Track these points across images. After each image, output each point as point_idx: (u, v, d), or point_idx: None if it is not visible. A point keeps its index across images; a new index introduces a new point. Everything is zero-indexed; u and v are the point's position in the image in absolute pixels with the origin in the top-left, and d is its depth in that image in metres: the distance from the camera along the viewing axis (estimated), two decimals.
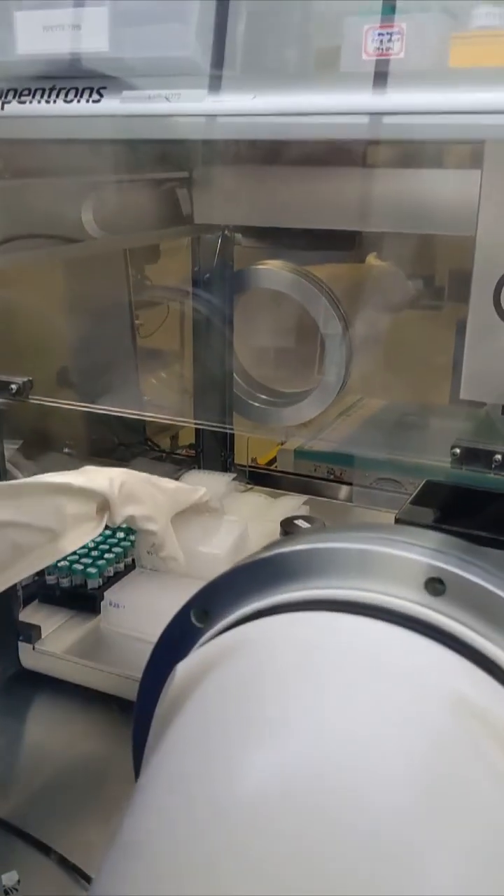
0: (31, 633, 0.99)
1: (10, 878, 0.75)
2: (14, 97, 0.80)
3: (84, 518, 0.85)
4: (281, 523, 1.12)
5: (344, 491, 1.49)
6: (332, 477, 1.50)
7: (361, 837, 0.33)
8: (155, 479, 0.94)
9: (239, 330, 1.41)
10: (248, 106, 0.70)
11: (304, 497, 1.27)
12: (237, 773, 0.35)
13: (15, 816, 0.81)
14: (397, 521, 1.15)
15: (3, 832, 0.79)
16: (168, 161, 1.17)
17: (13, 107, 0.80)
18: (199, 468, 1.43)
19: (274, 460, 1.59)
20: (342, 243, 1.32)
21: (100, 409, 1.00)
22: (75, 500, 0.83)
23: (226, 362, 1.39)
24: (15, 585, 1.00)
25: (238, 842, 0.33)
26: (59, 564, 1.06)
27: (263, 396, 1.47)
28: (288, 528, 1.11)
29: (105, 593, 1.02)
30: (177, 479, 1.33)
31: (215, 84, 0.75)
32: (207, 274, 1.34)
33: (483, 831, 0.34)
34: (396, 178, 1.17)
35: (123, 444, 1.51)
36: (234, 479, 1.37)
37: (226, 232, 1.33)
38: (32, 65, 0.80)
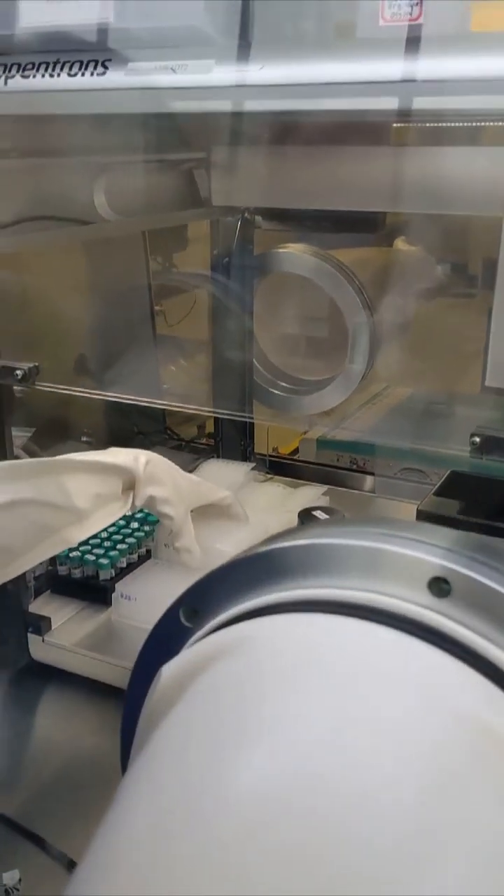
0: (41, 625, 0.97)
1: (11, 878, 0.73)
2: (17, 72, 0.77)
3: (110, 497, 0.83)
4: (299, 514, 1.08)
5: (367, 481, 1.45)
6: (354, 467, 1.46)
7: (357, 849, 0.30)
8: (179, 469, 0.93)
9: (260, 316, 1.38)
10: (255, 77, 0.67)
11: (324, 487, 1.24)
12: (220, 784, 0.33)
13: (17, 813, 0.79)
14: (419, 512, 1.12)
15: (4, 830, 0.77)
16: (185, 140, 1.13)
17: (16, 81, 0.77)
18: (218, 457, 1.40)
19: (296, 450, 1.56)
20: (367, 226, 1.27)
21: (111, 396, 0.98)
22: (101, 479, 0.81)
23: (246, 349, 1.36)
24: (25, 575, 0.98)
25: (222, 856, 0.31)
26: (70, 554, 1.04)
27: (284, 384, 1.43)
28: (306, 519, 1.08)
29: (117, 585, 0.99)
30: (193, 468, 1.31)
31: (226, 54, 0.72)
32: (226, 258, 1.31)
33: (483, 850, 0.31)
34: (425, 156, 1.13)
35: (142, 432, 1.48)
36: (252, 468, 1.34)
37: (246, 214, 1.29)
38: (36, 38, 0.78)
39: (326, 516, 1.09)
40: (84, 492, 0.78)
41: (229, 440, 1.40)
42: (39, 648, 0.97)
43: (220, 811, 0.32)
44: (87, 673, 0.95)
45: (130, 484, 0.86)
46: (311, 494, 1.22)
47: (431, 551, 0.37)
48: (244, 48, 0.71)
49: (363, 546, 0.38)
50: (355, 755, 0.33)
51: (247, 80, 0.68)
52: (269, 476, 1.40)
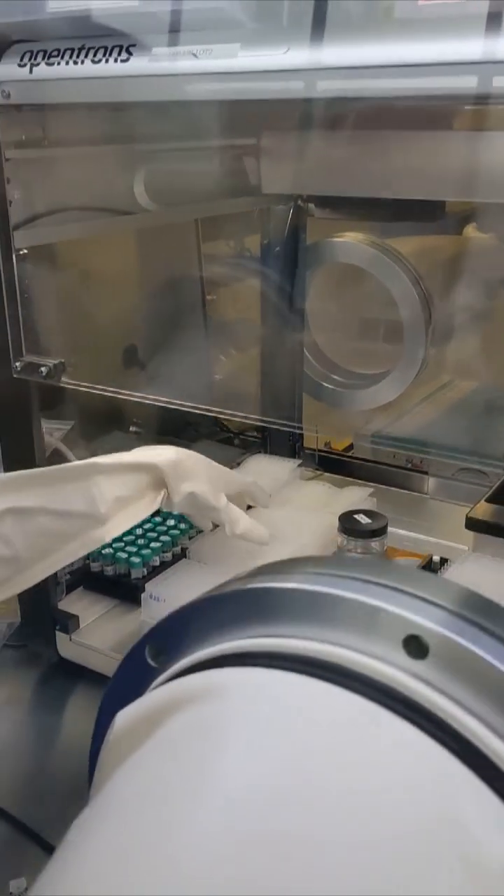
0: (69, 623, 0.96)
1: (18, 886, 0.72)
2: (43, 59, 0.74)
3: (131, 499, 0.81)
4: (339, 518, 1.04)
5: (424, 482, 1.39)
6: (409, 465, 1.40)
7: None
8: (208, 459, 0.91)
9: (313, 306, 1.33)
10: (279, 62, 0.63)
11: (370, 489, 1.19)
12: (166, 848, 0.29)
13: (27, 818, 0.78)
14: (468, 520, 1.06)
15: (11, 837, 0.76)
16: (232, 127, 1.09)
17: (41, 69, 0.75)
18: (266, 452, 1.37)
19: (351, 446, 1.50)
20: (427, 214, 1.21)
21: (138, 396, 0.94)
22: (121, 480, 0.80)
23: (296, 341, 1.32)
24: (56, 572, 0.97)
25: None
26: (103, 552, 1.02)
27: (338, 378, 1.39)
28: (347, 523, 1.03)
29: (147, 585, 0.97)
30: (239, 463, 1.28)
31: (255, 38, 0.68)
32: (278, 247, 1.26)
33: None
34: (494, 142, 1.06)
35: (192, 423, 1.46)
36: (299, 465, 1.30)
37: (299, 202, 1.25)
38: (63, 23, 0.75)
39: (368, 521, 1.04)
40: (101, 496, 0.76)
41: (277, 434, 1.37)
42: (67, 647, 0.96)
43: (165, 870, 0.29)
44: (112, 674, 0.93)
45: (158, 482, 0.84)
46: (357, 495, 1.17)
47: (410, 605, 0.33)
48: (274, 31, 0.67)
49: (339, 596, 0.34)
50: (308, 835, 0.29)
51: (271, 65, 0.64)
52: (318, 472, 1.36)
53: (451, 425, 1.45)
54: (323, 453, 1.39)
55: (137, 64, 0.69)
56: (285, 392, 1.35)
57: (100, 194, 0.94)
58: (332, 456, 1.39)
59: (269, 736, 0.31)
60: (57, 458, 1.14)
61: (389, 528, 1.17)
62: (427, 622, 0.32)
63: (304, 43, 0.64)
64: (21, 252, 0.85)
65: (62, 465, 0.87)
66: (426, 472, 1.33)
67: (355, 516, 1.04)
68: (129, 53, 0.70)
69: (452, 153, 1.08)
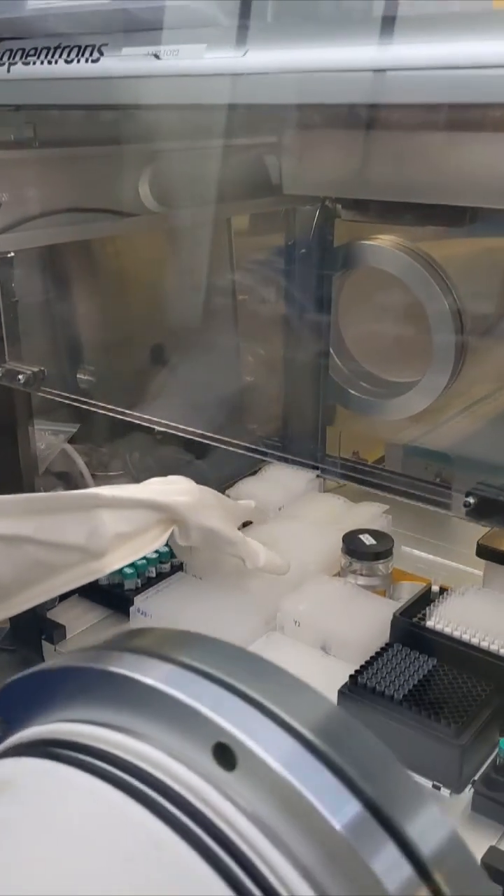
0: (54, 633, 0.94)
1: None
2: (20, 58, 0.72)
3: (134, 535, 0.79)
4: (343, 538, 0.99)
5: (454, 499, 1.32)
6: (438, 480, 1.33)
7: None
8: (216, 492, 0.91)
9: (340, 310, 1.28)
10: (236, 65, 0.58)
11: (385, 506, 1.13)
12: None
13: None
14: (479, 546, 1.00)
15: None
16: (249, 124, 1.04)
17: (18, 69, 0.72)
18: (286, 460, 1.32)
19: (382, 458, 1.43)
20: (456, 218, 1.14)
21: (124, 414, 0.91)
22: (126, 515, 0.77)
23: (321, 346, 1.27)
24: None
25: None
26: None
27: (366, 385, 1.33)
28: (350, 543, 0.99)
29: (135, 599, 0.95)
30: (255, 472, 1.24)
31: (233, 37, 0.63)
32: (303, 249, 1.21)
33: None
34: None
35: (226, 426, 1.42)
36: (317, 476, 1.25)
37: (327, 203, 1.19)
38: (42, 21, 0.72)
39: (373, 542, 0.99)
40: (100, 530, 0.74)
41: (298, 442, 1.32)
42: (52, 657, 0.94)
43: None
44: None
45: (168, 519, 0.82)
46: (372, 512, 1.12)
47: (225, 707, 0.29)
48: (244, 30, 0.62)
49: (151, 686, 0.31)
50: None
51: (240, 67, 0.59)
52: (341, 484, 1.31)
53: (487, 439, 1.38)
54: (347, 463, 1.33)
55: (106, 64, 0.66)
56: (309, 399, 1.30)
57: (99, 195, 0.91)
58: (357, 466, 1.33)
59: (36, 856, 0.27)
60: (64, 459, 1.13)
61: (405, 548, 1.12)
62: (241, 733, 0.28)
63: (275, 43, 0.60)
64: (8, 256, 0.83)
65: (64, 493, 0.86)
66: (449, 488, 1.26)
67: (360, 536, 1.00)
68: (101, 53, 0.67)
69: (483, 156, 1.02)
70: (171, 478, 0.88)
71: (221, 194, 1.04)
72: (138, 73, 0.63)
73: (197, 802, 0.28)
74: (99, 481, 1.18)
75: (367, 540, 0.99)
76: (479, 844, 0.68)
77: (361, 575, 0.98)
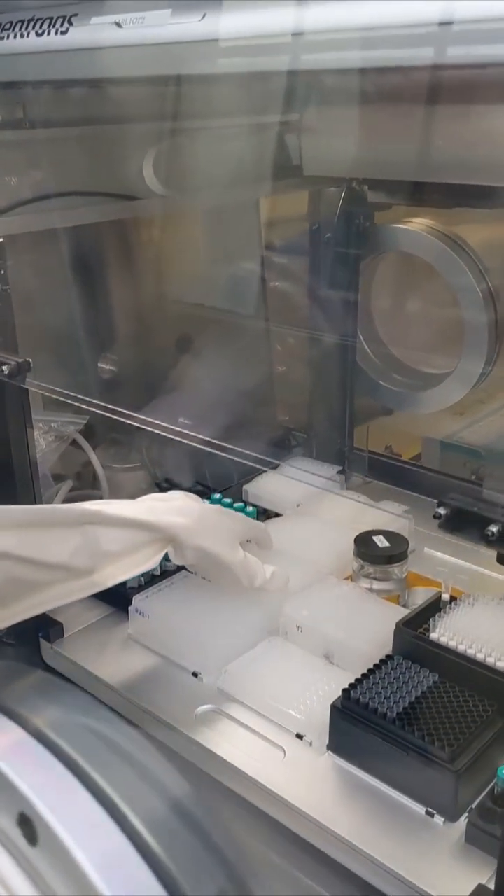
0: (51, 631, 0.91)
1: None
2: None
3: (125, 554, 0.76)
4: (356, 539, 0.94)
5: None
6: (473, 478, 1.26)
7: None
8: (221, 508, 0.87)
9: (367, 297, 1.22)
10: (198, 31, 0.53)
11: (405, 506, 1.07)
12: None
13: None
14: (500, 555, 0.93)
15: None
16: (268, 102, 0.99)
17: None
18: (312, 454, 1.27)
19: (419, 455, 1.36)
20: (488, 199, 1.07)
21: (124, 416, 0.87)
22: (117, 535, 0.75)
23: (348, 336, 1.21)
24: None
25: None
26: None
27: (397, 376, 1.27)
28: (363, 545, 0.93)
29: (134, 598, 0.91)
30: (276, 466, 1.19)
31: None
32: (329, 233, 1.16)
33: None
34: None
35: (255, 417, 1.37)
36: (340, 471, 1.20)
37: (353, 184, 1.13)
38: None
39: (387, 544, 0.93)
40: (89, 548, 0.71)
41: (323, 435, 1.26)
42: (50, 655, 0.92)
43: None
44: (89, 689, 0.88)
45: (163, 540, 0.79)
46: (391, 511, 1.06)
47: (40, 777, 0.24)
48: None
49: None
50: None
51: (189, 35, 0.54)
52: (367, 480, 1.25)
53: None
54: (375, 457, 1.27)
55: (74, 36, 0.62)
56: (336, 391, 1.25)
57: (99, 178, 0.87)
58: (385, 460, 1.27)
59: None
60: (75, 448, 1.10)
61: (427, 550, 1.05)
62: (44, 807, 0.23)
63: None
64: None
65: (53, 507, 0.82)
66: (480, 485, 1.19)
67: (373, 538, 0.94)
68: (70, 24, 0.63)
69: None
70: (171, 493, 0.85)
71: (233, 177, 0.99)
72: (103, 44, 0.59)
73: None
74: (114, 474, 1.15)
75: (381, 542, 0.93)
76: (468, 879, 0.63)
77: (374, 579, 0.93)
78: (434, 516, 0.53)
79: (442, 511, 0.52)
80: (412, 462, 1.26)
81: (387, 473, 1.24)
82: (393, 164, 1.01)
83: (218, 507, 0.88)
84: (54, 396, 0.86)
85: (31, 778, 0.24)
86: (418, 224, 1.15)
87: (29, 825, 0.24)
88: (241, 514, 0.92)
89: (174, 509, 0.80)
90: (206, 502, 0.89)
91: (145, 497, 0.83)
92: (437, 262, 1.13)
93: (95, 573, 0.74)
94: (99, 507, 0.76)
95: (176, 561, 0.82)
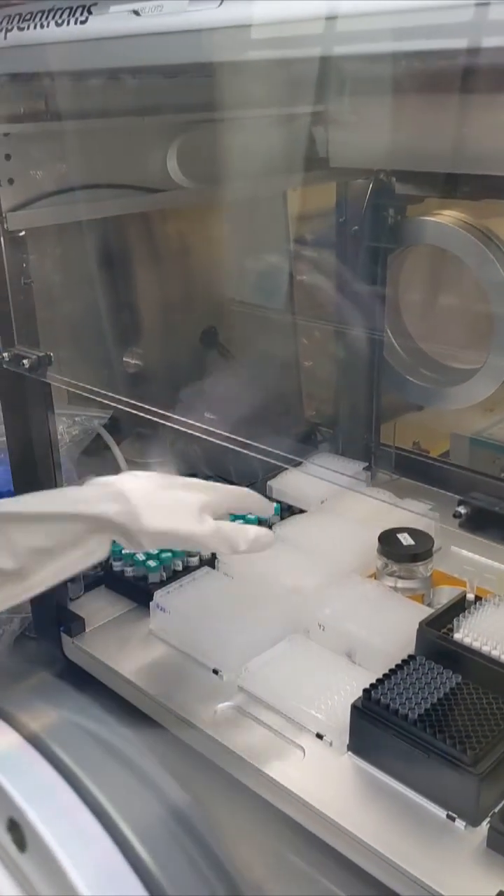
0: (73, 626, 0.91)
1: None
2: (16, 23, 0.68)
3: (58, 549, 0.67)
4: (380, 537, 0.93)
5: None
6: (503, 475, 1.23)
7: None
8: (185, 480, 0.75)
9: (395, 291, 1.20)
10: (217, 17, 0.52)
11: (430, 504, 1.05)
12: None
13: None
14: None
15: None
16: (292, 91, 0.98)
17: (14, 35, 0.68)
18: (338, 450, 1.26)
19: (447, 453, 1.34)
20: None
21: (143, 410, 0.84)
22: (41, 530, 0.66)
23: (376, 331, 1.19)
24: None
25: None
26: (123, 552, 0.97)
27: (425, 371, 1.25)
28: (387, 543, 0.92)
29: (155, 594, 0.91)
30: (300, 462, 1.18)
31: None
32: (356, 226, 1.14)
33: None
34: None
35: (282, 413, 1.36)
36: (365, 467, 1.18)
37: (381, 176, 1.12)
38: None
39: (411, 542, 0.92)
40: (10, 547, 0.64)
41: (349, 431, 1.25)
42: (71, 649, 0.92)
43: None
44: (110, 684, 0.88)
45: (103, 528, 0.69)
46: (417, 510, 1.04)
47: (20, 775, 0.24)
48: None
49: None
50: None
51: (221, 20, 0.53)
52: (393, 477, 1.23)
53: None
54: (403, 454, 1.25)
55: (93, 25, 0.61)
56: (363, 383, 1.23)
57: (122, 171, 0.86)
58: (413, 456, 1.25)
59: None
60: (98, 443, 1.10)
61: (454, 548, 1.04)
62: (34, 813, 0.23)
63: None
64: (19, 234, 0.79)
65: None
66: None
67: (398, 536, 0.93)
68: (90, 13, 0.62)
69: None
70: (119, 476, 0.73)
71: (257, 169, 0.98)
72: (121, 34, 0.58)
73: None
74: (138, 468, 1.14)
75: (406, 540, 0.92)
76: (490, 884, 0.61)
77: (399, 577, 0.92)
78: (454, 515, 0.51)
79: (462, 510, 0.50)
80: (439, 458, 1.24)
81: (413, 470, 1.22)
82: (421, 155, 1.00)
83: (173, 478, 0.75)
84: (75, 391, 0.85)
85: (22, 783, 0.24)
86: (447, 216, 1.13)
87: (18, 831, 0.23)
88: (205, 482, 0.78)
89: (109, 495, 0.69)
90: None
91: (87, 483, 0.73)
92: (466, 256, 1.11)
93: (33, 574, 0.66)
94: (13, 506, 0.68)
95: (132, 548, 0.72)
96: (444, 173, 1.04)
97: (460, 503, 0.50)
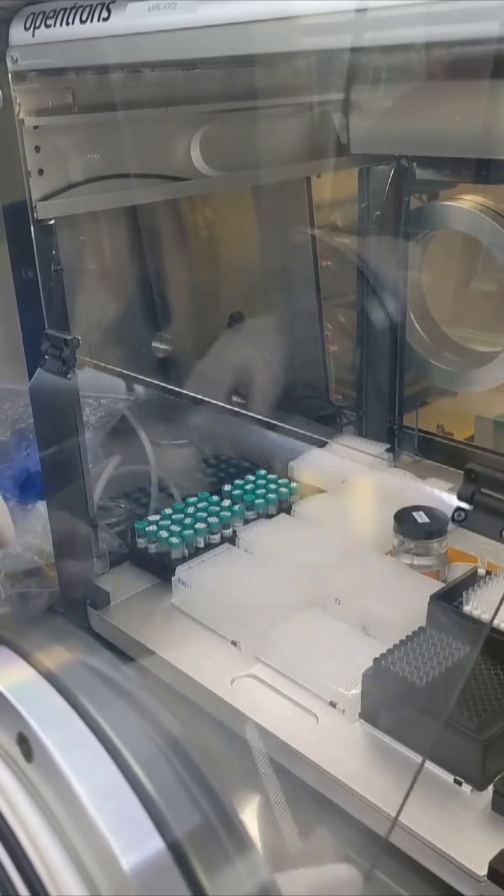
0: (98, 599, 0.95)
1: None
2: (43, 21, 0.71)
3: None
4: (395, 515, 0.95)
5: None
6: None
7: None
8: None
9: (419, 275, 1.22)
10: (229, 14, 0.55)
11: (451, 484, 1.07)
12: None
13: None
14: None
15: None
16: (311, 81, 1.00)
17: (42, 32, 0.71)
18: (361, 432, 1.28)
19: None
20: None
21: (171, 391, 0.88)
22: None
23: (397, 316, 1.21)
24: (90, 548, 0.97)
25: None
26: (147, 529, 1.00)
27: (448, 355, 1.27)
28: (403, 521, 0.94)
29: (177, 568, 0.94)
30: (325, 443, 1.21)
31: None
32: (378, 212, 1.16)
33: None
34: None
35: (294, 397, 1.39)
36: (388, 448, 1.20)
37: (402, 161, 1.13)
38: None
39: (426, 520, 0.94)
40: None
41: (373, 413, 1.27)
42: (97, 622, 0.96)
43: None
44: (135, 656, 0.91)
45: None
46: (436, 488, 1.06)
47: (37, 701, 0.27)
48: None
49: None
50: None
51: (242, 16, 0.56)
52: (417, 459, 1.26)
53: None
54: (428, 436, 1.27)
55: (114, 23, 0.64)
56: (387, 366, 1.25)
57: (148, 160, 0.89)
58: (436, 439, 1.27)
59: None
60: (124, 424, 1.13)
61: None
62: (41, 730, 0.26)
63: None
64: (49, 223, 0.83)
65: None
66: None
67: (413, 514, 0.95)
68: (109, 11, 0.65)
69: None
70: None
71: (279, 156, 1.00)
72: (139, 30, 0.61)
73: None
74: (162, 450, 1.18)
75: (420, 517, 0.94)
76: (493, 844, 0.64)
77: (415, 554, 0.94)
78: (453, 518, 0.53)
79: (465, 507, 0.52)
80: (462, 441, 1.26)
81: (437, 452, 1.25)
82: (442, 141, 1.01)
83: None
84: (105, 372, 0.89)
85: (31, 705, 0.27)
86: (468, 201, 1.15)
87: (26, 744, 0.26)
88: None
89: None
90: None
91: None
92: (487, 240, 1.13)
93: None
94: None
95: None
96: (463, 159, 1.06)
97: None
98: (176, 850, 0.24)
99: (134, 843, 0.24)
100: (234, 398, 1.41)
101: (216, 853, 0.25)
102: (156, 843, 0.24)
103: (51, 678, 0.29)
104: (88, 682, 0.28)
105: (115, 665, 0.31)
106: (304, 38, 0.60)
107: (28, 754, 0.26)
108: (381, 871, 0.69)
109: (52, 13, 0.70)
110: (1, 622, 0.34)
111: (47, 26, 0.70)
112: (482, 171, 1.05)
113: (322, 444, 1.20)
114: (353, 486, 1.10)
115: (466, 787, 0.69)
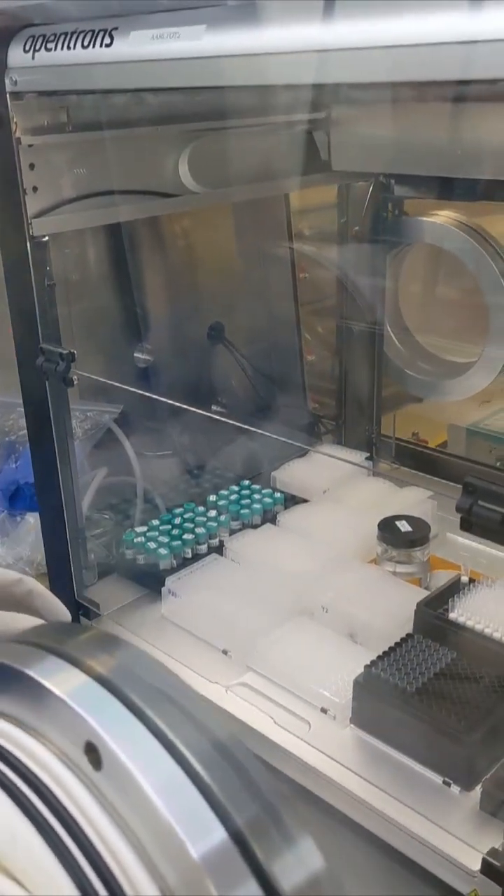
0: (89, 610, 0.96)
1: None
2: (43, 44, 0.72)
3: None
4: (379, 524, 0.98)
5: None
6: (499, 464, 1.29)
7: None
8: None
9: (395, 288, 1.25)
10: (229, 45, 0.57)
11: (430, 491, 1.10)
12: None
13: None
14: None
15: None
16: (297, 102, 1.03)
17: (42, 55, 0.73)
18: (342, 441, 1.31)
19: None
20: None
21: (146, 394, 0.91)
22: None
23: (376, 326, 1.24)
24: (80, 556, 0.98)
25: None
26: (135, 540, 1.02)
27: (424, 365, 1.30)
28: (386, 530, 0.97)
29: (167, 579, 0.96)
30: (305, 453, 1.23)
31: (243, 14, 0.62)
32: (357, 227, 1.19)
33: None
34: None
35: (273, 407, 1.41)
36: (367, 457, 1.23)
37: (381, 178, 1.17)
38: (64, 5, 0.72)
39: (409, 528, 0.97)
40: None
41: (352, 422, 1.30)
42: None
43: None
44: None
45: None
46: (414, 497, 1.10)
47: (102, 708, 0.29)
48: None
49: (32, 678, 0.31)
50: None
51: (241, 48, 0.58)
52: (395, 466, 1.29)
53: None
54: (403, 445, 1.30)
55: (117, 50, 0.66)
56: (364, 376, 1.28)
57: (138, 178, 0.91)
58: (411, 447, 1.31)
59: None
60: (109, 436, 1.15)
61: (450, 535, 1.09)
62: (108, 736, 0.28)
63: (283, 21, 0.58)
64: (43, 240, 0.84)
65: None
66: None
67: (396, 523, 0.98)
68: (112, 38, 0.67)
69: None
70: None
71: (262, 173, 1.03)
72: (142, 58, 0.63)
73: (60, 794, 0.28)
74: (147, 461, 1.19)
75: (403, 527, 0.97)
76: (481, 842, 0.67)
77: (398, 562, 0.97)
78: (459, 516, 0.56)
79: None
80: (437, 448, 1.29)
81: (413, 460, 1.28)
82: (419, 160, 1.05)
83: None
84: (98, 382, 0.91)
85: (96, 713, 0.28)
86: (443, 216, 1.18)
87: (95, 752, 0.28)
88: None
89: None
90: None
91: None
92: (461, 253, 1.16)
93: None
94: None
95: None
96: (439, 177, 1.10)
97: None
98: (237, 839, 0.26)
99: (200, 833, 0.26)
100: (215, 407, 1.43)
101: (273, 841, 0.27)
102: (219, 834, 0.26)
103: (106, 684, 0.30)
104: (139, 685, 0.30)
105: (157, 667, 0.32)
106: (307, 72, 0.63)
107: (97, 762, 0.28)
108: (374, 867, 0.72)
109: (52, 37, 0.71)
110: (37, 632, 0.35)
111: (48, 49, 0.72)
112: (456, 189, 1.09)
113: (303, 454, 1.23)
114: (335, 496, 1.13)
115: (455, 788, 0.72)
